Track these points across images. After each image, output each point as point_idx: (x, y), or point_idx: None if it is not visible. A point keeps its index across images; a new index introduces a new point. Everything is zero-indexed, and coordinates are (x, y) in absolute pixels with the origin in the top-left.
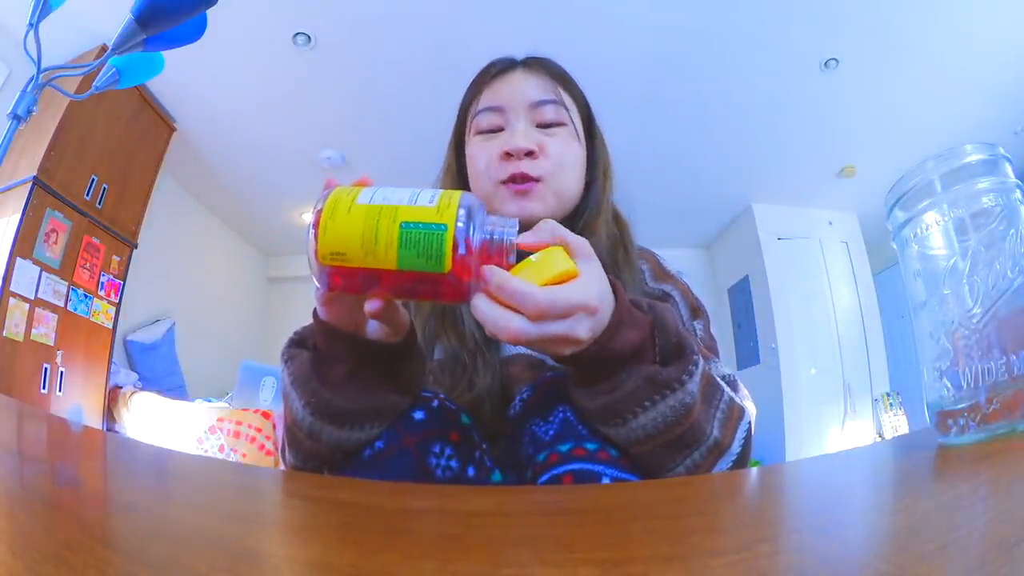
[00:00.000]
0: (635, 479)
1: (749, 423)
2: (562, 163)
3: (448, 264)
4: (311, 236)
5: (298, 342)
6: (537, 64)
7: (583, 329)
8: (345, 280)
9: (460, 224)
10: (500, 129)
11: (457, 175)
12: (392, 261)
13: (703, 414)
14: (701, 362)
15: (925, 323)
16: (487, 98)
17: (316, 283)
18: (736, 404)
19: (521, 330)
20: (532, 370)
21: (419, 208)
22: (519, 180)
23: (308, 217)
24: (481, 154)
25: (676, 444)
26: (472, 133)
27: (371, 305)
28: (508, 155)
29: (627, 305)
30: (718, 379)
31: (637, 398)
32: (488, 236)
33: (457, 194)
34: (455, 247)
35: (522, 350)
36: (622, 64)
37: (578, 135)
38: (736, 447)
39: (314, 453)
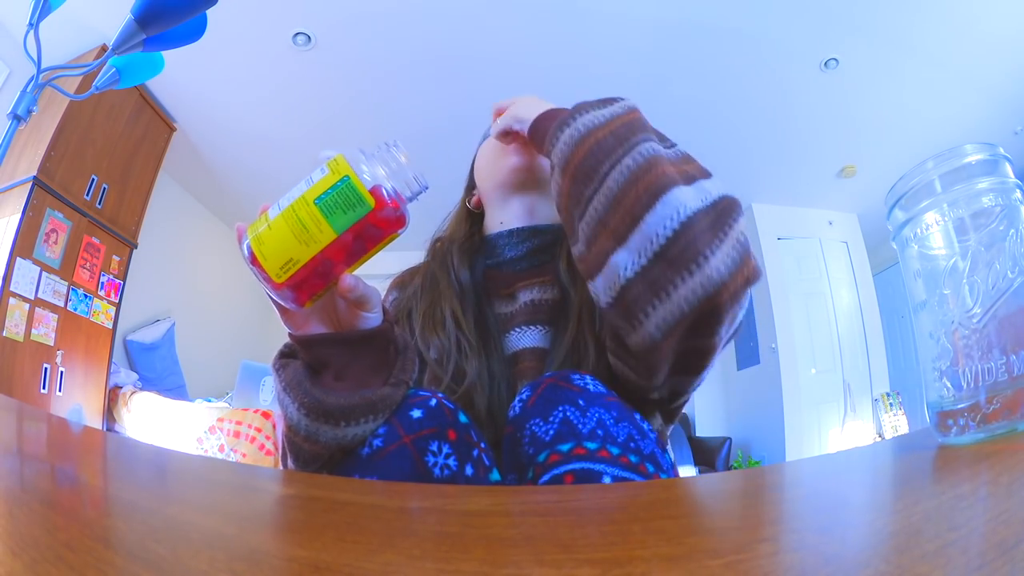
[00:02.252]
0: (636, 478)
1: (728, 194)
2: None
3: (370, 199)
4: (257, 272)
5: (288, 353)
6: None
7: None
8: (307, 283)
9: (356, 167)
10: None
11: (468, 220)
12: (329, 232)
13: (643, 122)
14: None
15: (925, 323)
16: None
17: (286, 306)
18: (695, 160)
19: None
20: (539, 360)
21: (319, 183)
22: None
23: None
24: (488, 145)
25: (621, 134)
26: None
27: (344, 282)
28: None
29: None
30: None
31: (587, 103)
32: (381, 160)
33: (340, 155)
34: (363, 185)
35: (527, 344)
36: (621, 64)
37: None
38: (714, 188)
39: (314, 456)
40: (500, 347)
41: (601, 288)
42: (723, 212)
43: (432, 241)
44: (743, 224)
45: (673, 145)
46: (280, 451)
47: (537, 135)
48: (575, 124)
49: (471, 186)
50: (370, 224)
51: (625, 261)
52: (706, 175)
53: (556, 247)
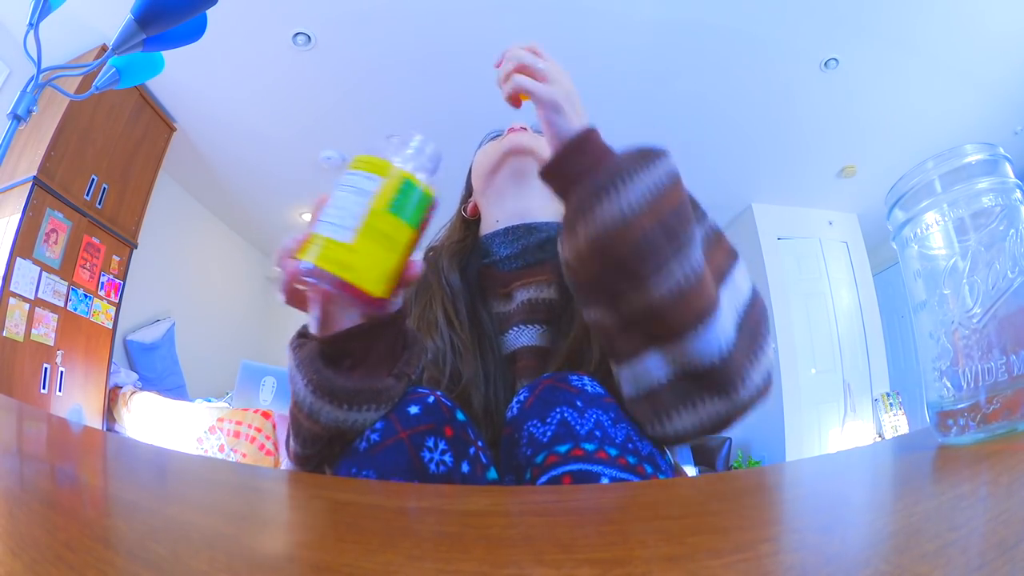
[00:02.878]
0: (634, 479)
1: (752, 280)
2: None
3: (428, 192)
4: (349, 295)
5: (306, 333)
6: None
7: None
8: (393, 284)
9: (403, 167)
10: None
11: (463, 227)
12: (407, 232)
13: (687, 203)
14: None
15: (925, 323)
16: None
17: (377, 312)
18: (725, 238)
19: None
20: (537, 359)
21: (382, 192)
22: (516, 130)
23: (309, 217)
24: (488, 148)
25: (682, 212)
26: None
27: (414, 268)
28: (511, 131)
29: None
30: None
31: (634, 158)
32: (404, 150)
33: (378, 159)
34: (419, 180)
35: (525, 342)
36: (621, 64)
37: None
38: (743, 284)
39: (313, 436)
40: (497, 347)
41: (626, 380)
42: (756, 326)
43: (425, 251)
44: (772, 330)
45: (703, 216)
46: (285, 438)
47: (557, 175)
48: (617, 201)
49: (467, 195)
50: (430, 211)
51: (659, 368)
52: (734, 259)
53: (553, 244)
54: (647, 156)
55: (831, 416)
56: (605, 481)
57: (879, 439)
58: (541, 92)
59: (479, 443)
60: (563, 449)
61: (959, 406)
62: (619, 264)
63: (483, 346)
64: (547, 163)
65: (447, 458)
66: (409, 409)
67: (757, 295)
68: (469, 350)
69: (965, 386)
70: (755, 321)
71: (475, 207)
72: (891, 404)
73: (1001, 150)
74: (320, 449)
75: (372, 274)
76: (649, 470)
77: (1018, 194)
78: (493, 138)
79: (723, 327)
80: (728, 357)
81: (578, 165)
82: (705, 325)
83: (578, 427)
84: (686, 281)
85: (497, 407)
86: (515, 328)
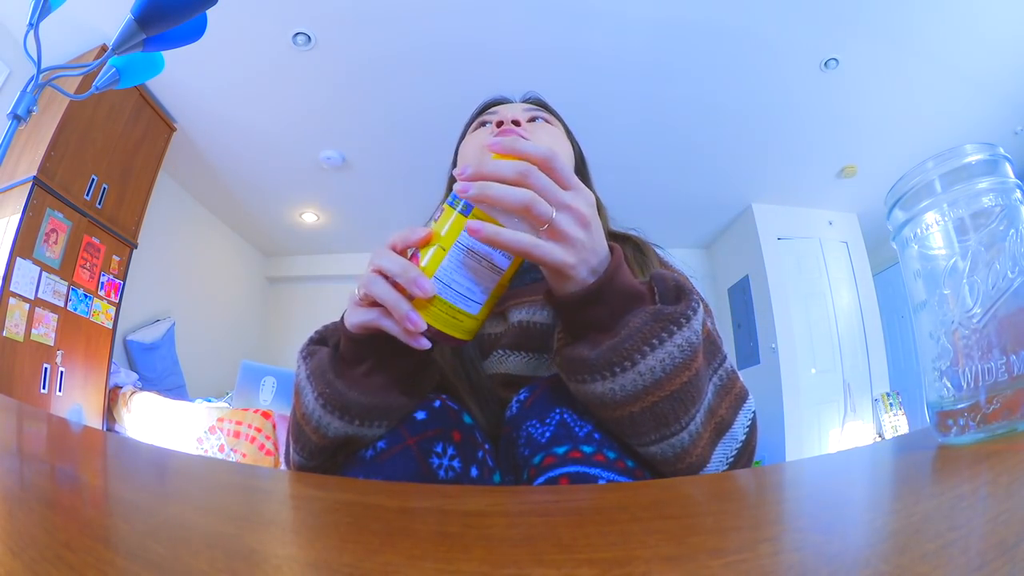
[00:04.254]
0: (631, 482)
1: (753, 412)
2: (550, 145)
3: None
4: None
5: (319, 340)
6: (534, 99)
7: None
8: None
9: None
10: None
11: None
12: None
13: (703, 369)
14: (700, 306)
15: (925, 323)
16: (490, 111)
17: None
18: (738, 380)
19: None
20: (509, 390)
21: (511, 267)
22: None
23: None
24: (473, 141)
25: (681, 397)
26: (469, 133)
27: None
28: (499, 124)
29: (622, 253)
30: (717, 339)
31: (644, 335)
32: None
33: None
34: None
35: (506, 369)
36: (621, 64)
37: (571, 146)
38: (740, 431)
39: (320, 449)
40: (480, 368)
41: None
42: (742, 460)
43: None
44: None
45: (722, 361)
46: (284, 447)
47: (564, 311)
48: (611, 382)
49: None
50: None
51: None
52: (741, 405)
53: None
54: (668, 321)
55: (831, 416)
56: (603, 484)
57: (879, 439)
58: (552, 258)
59: (486, 446)
60: (561, 450)
61: (959, 406)
62: (602, 422)
63: (467, 366)
64: (556, 299)
65: (455, 463)
66: (416, 415)
67: (751, 435)
68: (456, 371)
69: (965, 386)
70: (743, 463)
71: None
72: (891, 404)
73: (1001, 150)
74: (323, 461)
75: (477, 328)
76: (647, 475)
77: (1018, 194)
78: (481, 123)
79: (708, 470)
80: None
81: (590, 314)
82: (685, 473)
83: (577, 429)
84: (667, 451)
85: (494, 419)
86: (498, 352)
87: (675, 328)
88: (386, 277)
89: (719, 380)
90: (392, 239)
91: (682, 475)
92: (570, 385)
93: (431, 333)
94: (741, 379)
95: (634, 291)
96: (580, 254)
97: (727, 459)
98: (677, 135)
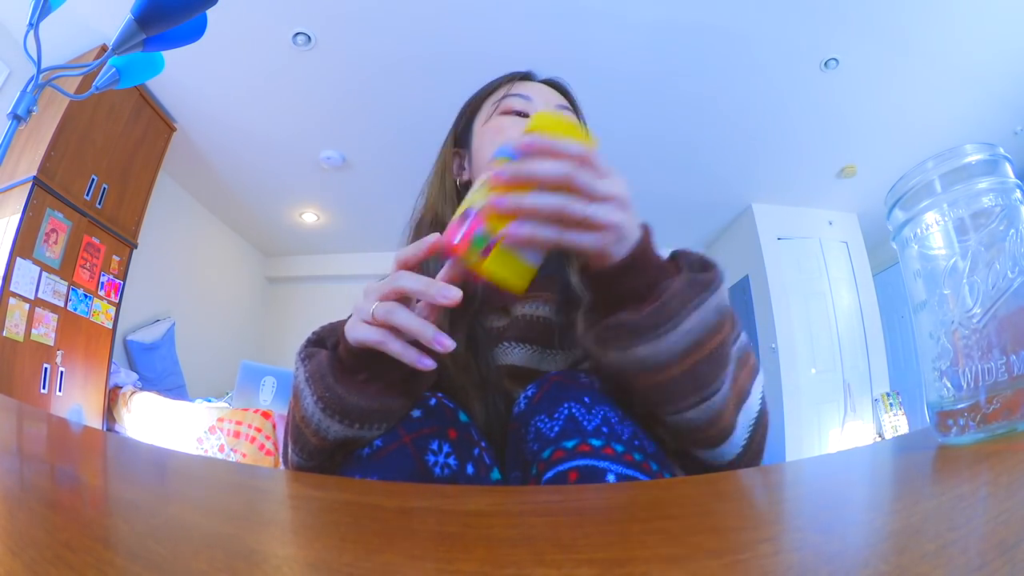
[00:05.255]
0: (640, 476)
1: (763, 389)
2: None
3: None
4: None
5: (316, 342)
6: (558, 84)
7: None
8: None
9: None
10: (527, 116)
11: (456, 168)
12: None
13: (730, 334)
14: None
15: (925, 323)
16: (518, 88)
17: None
18: (752, 354)
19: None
20: (518, 382)
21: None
22: None
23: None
24: (512, 129)
25: (717, 358)
26: (497, 113)
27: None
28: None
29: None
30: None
31: (686, 297)
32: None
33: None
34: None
35: (511, 361)
36: (621, 64)
37: None
38: (756, 403)
39: (319, 450)
40: (488, 361)
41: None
42: (760, 438)
43: (414, 224)
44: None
45: (739, 333)
46: (282, 447)
47: (602, 285)
48: (656, 345)
49: (457, 141)
50: None
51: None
52: (755, 375)
53: (557, 258)
54: (702, 286)
55: (831, 416)
56: (611, 477)
57: (879, 439)
58: (586, 244)
59: (483, 443)
60: (570, 444)
61: (959, 406)
62: (639, 392)
63: (477, 358)
64: (594, 273)
65: (451, 461)
66: (412, 413)
67: (764, 409)
68: (465, 365)
69: (965, 386)
70: (760, 436)
71: (471, 178)
72: (891, 404)
73: (1001, 150)
74: (323, 461)
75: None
76: (655, 467)
77: (1018, 194)
78: (508, 109)
79: (732, 442)
80: (733, 459)
81: (627, 285)
82: (713, 446)
83: (585, 423)
84: (701, 416)
85: (496, 416)
86: (504, 344)
87: (709, 292)
88: (399, 298)
89: (738, 351)
90: (403, 257)
91: (710, 445)
92: (608, 355)
93: (484, 285)
94: (755, 354)
95: (663, 262)
96: (621, 234)
97: (747, 429)
98: (677, 135)
